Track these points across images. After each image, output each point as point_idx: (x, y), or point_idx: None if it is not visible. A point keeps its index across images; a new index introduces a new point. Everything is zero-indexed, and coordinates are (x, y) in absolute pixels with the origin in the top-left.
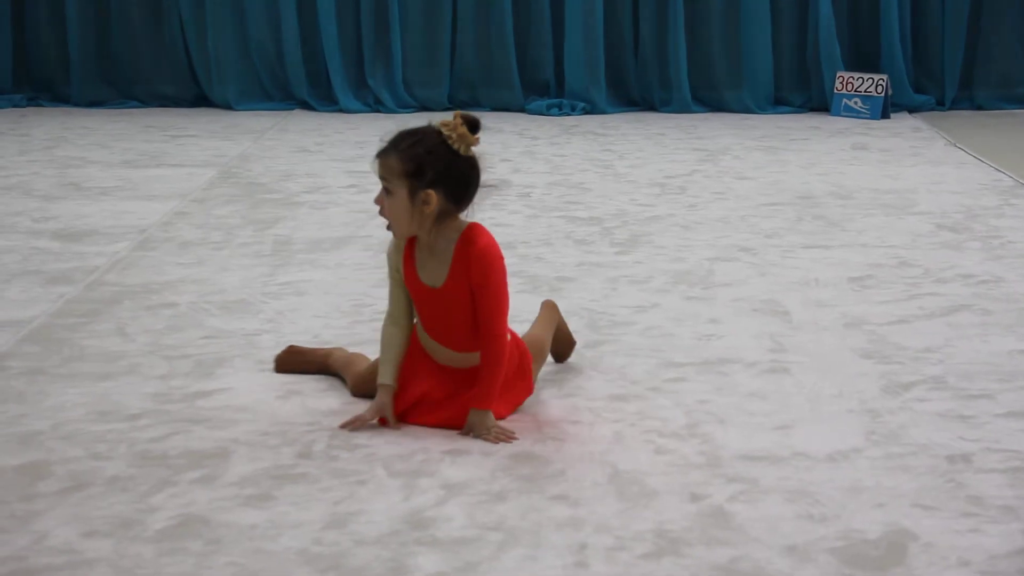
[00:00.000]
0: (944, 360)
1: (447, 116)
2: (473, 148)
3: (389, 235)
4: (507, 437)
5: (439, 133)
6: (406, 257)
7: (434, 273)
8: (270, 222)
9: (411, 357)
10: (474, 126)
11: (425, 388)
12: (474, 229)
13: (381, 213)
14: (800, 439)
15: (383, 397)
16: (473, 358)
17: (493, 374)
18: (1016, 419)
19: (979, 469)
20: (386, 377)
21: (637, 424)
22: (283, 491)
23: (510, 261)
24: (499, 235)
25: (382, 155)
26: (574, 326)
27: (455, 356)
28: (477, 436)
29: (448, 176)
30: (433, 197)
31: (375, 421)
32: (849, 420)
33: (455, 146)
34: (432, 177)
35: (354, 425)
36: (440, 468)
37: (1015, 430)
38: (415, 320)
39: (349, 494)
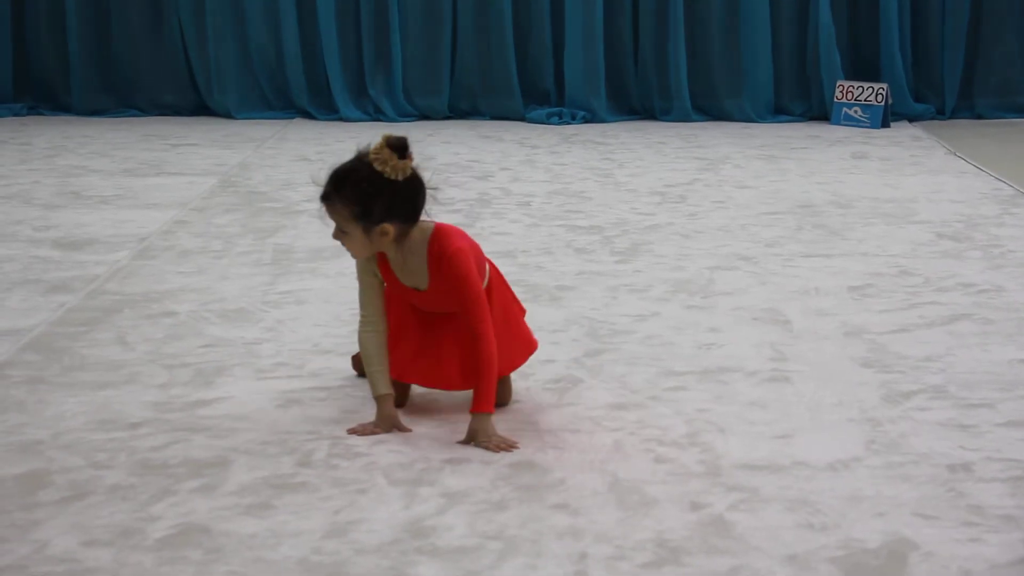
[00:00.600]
0: (945, 369)
1: (375, 140)
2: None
3: None
4: (508, 446)
5: (372, 166)
6: (381, 265)
7: (415, 278)
8: (270, 231)
9: (395, 311)
10: (402, 149)
11: (415, 345)
12: (440, 234)
13: (342, 245)
14: (800, 448)
15: (387, 408)
16: None
17: (487, 378)
18: (1017, 428)
19: (980, 478)
20: (382, 388)
21: (637, 433)
22: (283, 500)
23: (510, 269)
24: (499, 244)
25: (326, 201)
26: (574, 335)
27: (447, 312)
28: (478, 445)
29: (395, 205)
30: (388, 228)
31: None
32: (849, 429)
33: (390, 176)
34: (381, 212)
35: (362, 432)
36: (440, 477)
37: (1016, 439)
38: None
39: (349, 503)
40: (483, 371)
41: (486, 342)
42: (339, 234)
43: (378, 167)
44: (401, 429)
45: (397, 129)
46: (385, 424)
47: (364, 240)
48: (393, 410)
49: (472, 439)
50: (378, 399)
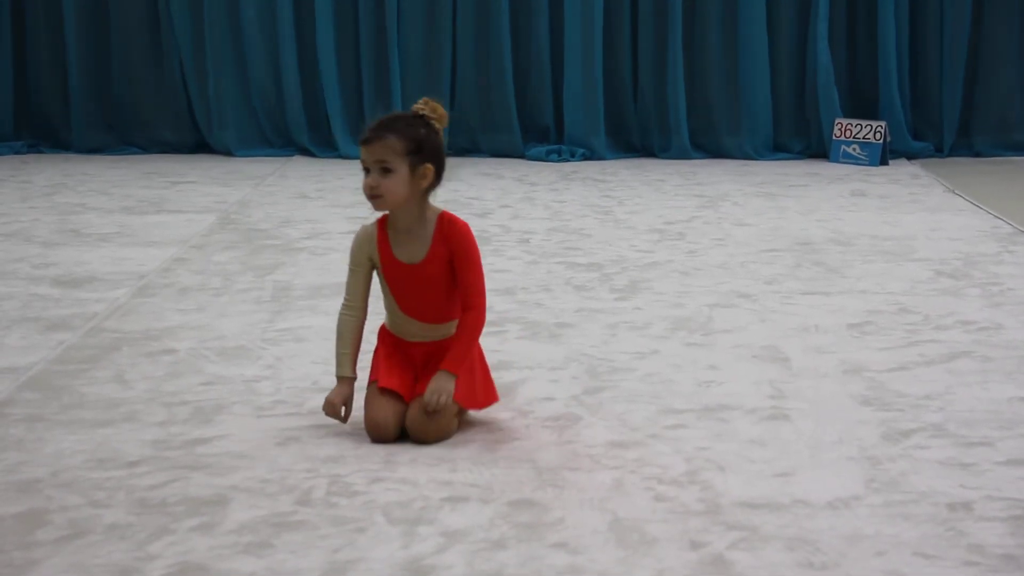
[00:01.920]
0: (944, 407)
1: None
2: None
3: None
4: (441, 414)
5: (421, 116)
6: (380, 241)
7: (411, 251)
8: (270, 268)
9: (384, 347)
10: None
11: (397, 382)
12: (449, 214)
13: (374, 192)
14: (800, 486)
15: (346, 388)
16: (440, 330)
17: (469, 343)
18: (1017, 467)
19: (980, 517)
20: (347, 370)
21: (637, 471)
22: (282, 539)
23: (509, 306)
24: (498, 281)
25: (377, 139)
26: (573, 372)
27: (426, 329)
28: (431, 398)
29: (437, 153)
30: (430, 170)
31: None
32: (849, 467)
33: (437, 125)
34: (428, 152)
35: (333, 411)
36: (439, 515)
37: (1016, 478)
38: (386, 318)
39: (348, 542)
40: (467, 337)
41: (478, 313)
42: (377, 178)
43: (428, 114)
44: (345, 413)
45: None
46: (337, 399)
47: (407, 179)
48: (349, 392)
49: (433, 393)
50: (340, 379)
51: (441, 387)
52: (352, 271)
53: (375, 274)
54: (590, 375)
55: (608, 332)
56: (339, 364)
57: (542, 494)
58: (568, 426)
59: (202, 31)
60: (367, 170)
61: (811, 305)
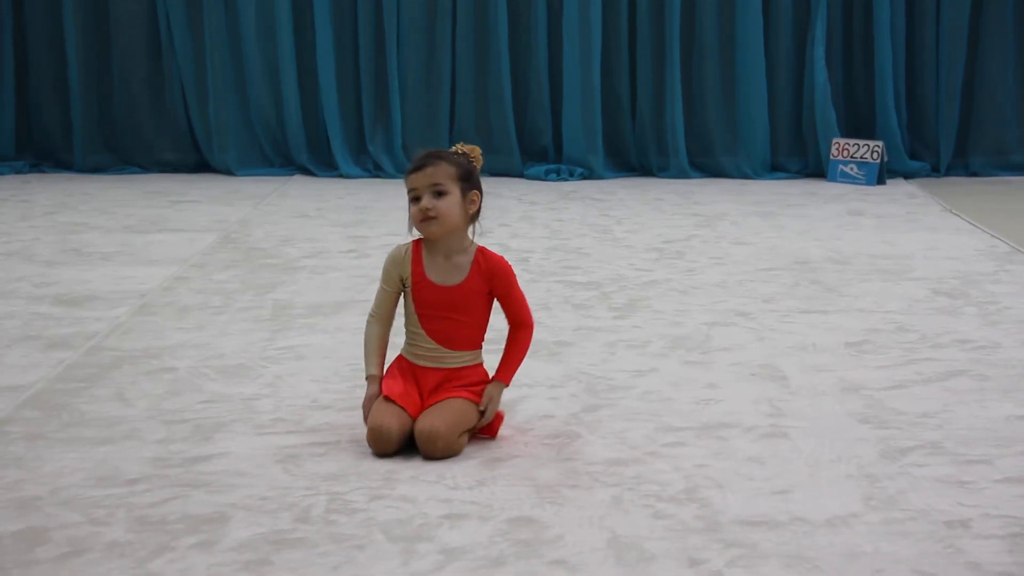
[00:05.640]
0: (942, 425)
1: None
2: None
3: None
4: (496, 418)
5: (462, 153)
6: (414, 262)
7: (447, 275)
8: (270, 287)
9: (398, 369)
10: None
11: (403, 394)
12: (486, 249)
13: (429, 215)
14: (799, 504)
15: (374, 387)
16: (455, 357)
17: (519, 356)
18: (1015, 485)
19: (978, 535)
20: (373, 368)
21: (635, 488)
22: (281, 556)
23: None
24: None
25: (430, 164)
26: (572, 390)
27: (442, 353)
28: (486, 407)
29: (480, 185)
30: (479, 197)
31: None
32: (847, 485)
33: (473, 160)
34: (476, 181)
35: (368, 409)
36: (439, 533)
37: (1014, 496)
38: (403, 344)
39: (348, 559)
40: (518, 349)
41: (529, 330)
42: (432, 200)
43: (470, 152)
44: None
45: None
46: (369, 397)
47: (460, 201)
48: (379, 388)
49: (489, 400)
50: (369, 378)
51: (493, 395)
52: (382, 287)
53: (403, 293)
54: (589, 393)
55: (607, 350)
56: (367, 364)
57: (541, 511)
58: (567, 443)
59: (203, 53)
60: (417, 198)
61: (809, 324)
